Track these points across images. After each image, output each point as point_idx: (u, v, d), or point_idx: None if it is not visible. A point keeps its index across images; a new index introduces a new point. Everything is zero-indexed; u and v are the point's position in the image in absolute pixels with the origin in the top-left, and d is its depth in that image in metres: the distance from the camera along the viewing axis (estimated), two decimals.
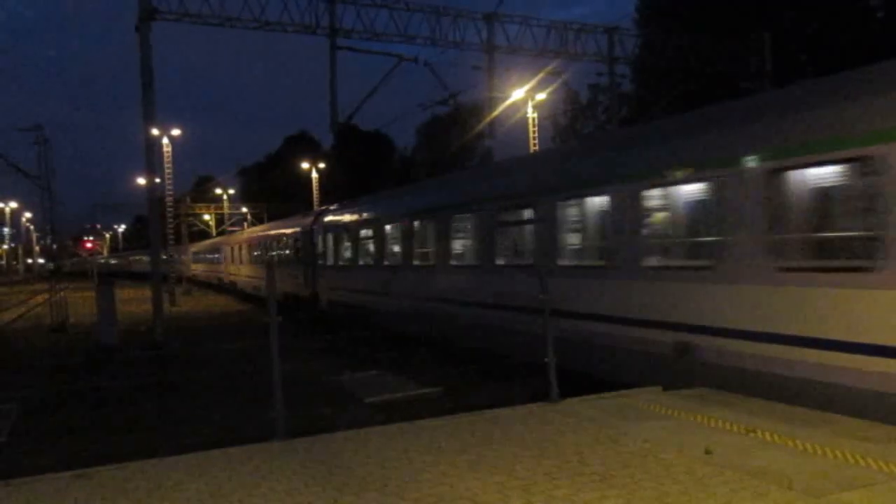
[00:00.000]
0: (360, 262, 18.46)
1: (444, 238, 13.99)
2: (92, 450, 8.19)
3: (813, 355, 6.55)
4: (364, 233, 18.23)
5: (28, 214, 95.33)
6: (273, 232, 27.13)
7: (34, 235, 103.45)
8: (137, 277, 63.14)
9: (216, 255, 47.26)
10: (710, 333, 7.68)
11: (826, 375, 6.43)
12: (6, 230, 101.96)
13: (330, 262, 20.91)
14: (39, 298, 37.84)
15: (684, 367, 7.94)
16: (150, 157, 19.10)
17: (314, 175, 51.43)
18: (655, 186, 8.71)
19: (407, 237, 15.66)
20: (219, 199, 68.39)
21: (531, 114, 29.59)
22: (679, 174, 8.25)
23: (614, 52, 25.62)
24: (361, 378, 12.04)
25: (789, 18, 30.02)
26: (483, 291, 12.35)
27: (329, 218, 21.68)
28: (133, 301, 30.80)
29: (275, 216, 52.40)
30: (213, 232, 64.43)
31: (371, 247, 17.83)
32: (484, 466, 5.16)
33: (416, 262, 15.24)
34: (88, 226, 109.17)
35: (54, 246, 37.13)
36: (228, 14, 20.56)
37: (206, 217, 67.12)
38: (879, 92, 6.37)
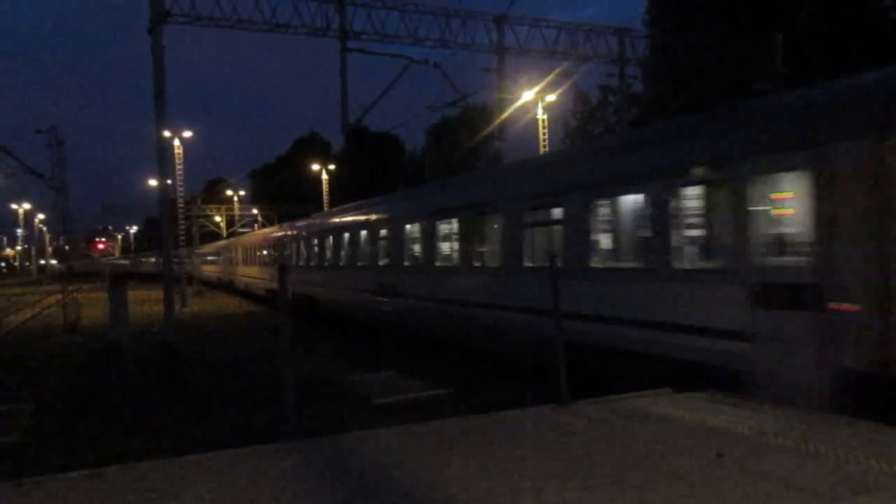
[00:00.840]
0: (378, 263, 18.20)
1: (468, 238, 13.41)
2: (103, 449, 8.24)
3: None
4: (382, 233, 17.90)
5: (41, 216, 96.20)
6: (287, 233, 26.90)
7: (47, 237, 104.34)
8: (142, 278, 63.71)
9: (226, 256, 47.38)
10: None
11: None
12: (19, 231, 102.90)
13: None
14: (52, 299, 38.14)
15: None
16: (161, 159, 19.19)
17: (324, 176, 51.58)
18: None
19: (419, 238, 15.53)
20: (230, 200, 68.67)
21: (541, 115, 29.54)
22: None
23: (625, 53, 25.55)
24: (371, 379, 12.06)
25: (802, 19, 29.86)
26: (510, 294, 11.67)
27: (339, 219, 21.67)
28: (145, 302, 30.97)
29: (285, 217, 52.58)
30: (224, 233, 64.70)
31: (380, 247, 17.75)
32: (495, 468, 5.15)
33: (438, 264, 14.70)
34: (100, 227, 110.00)
35: (67, 247, 37.38)
36: (240, 16, 20.64)
37: (217, 218, 67.41)
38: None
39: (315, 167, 53.90)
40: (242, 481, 5.10)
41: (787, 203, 7.27)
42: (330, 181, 52.27)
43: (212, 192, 74.28)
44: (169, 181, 21.22)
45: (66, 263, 39.46)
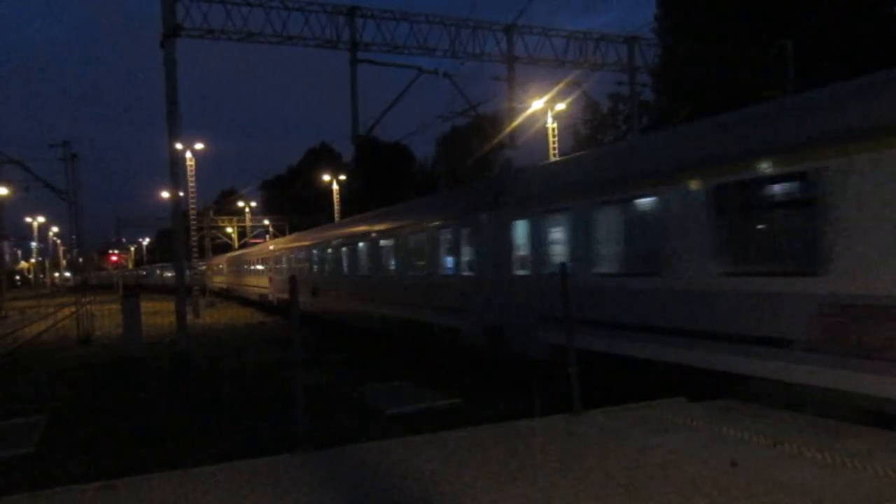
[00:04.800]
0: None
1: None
2: (117, 460, 8.28)
3: None
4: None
5: (55, 229, 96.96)
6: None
7: (61, 249, 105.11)
8: (149, 289, 64.25)
9: (234, 268, 47.61)
10: None
11: None
12: (33, 244, 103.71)
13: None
14: (66, 311, 38.40)
15: None
16: (174, 172, 19.34)
17: (335, 187, 51.77)
18: None
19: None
20: (241, 211, 69.05)
21: (551, 123, 29.56)
22: None
23: (635, 61, 25.56)
24: (383, 389, 12.05)
25: (812, 25, 29.77)
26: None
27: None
28: (158, 314, 31.13)
29: (296, 228, 52.77)
30: (236, 244, 65.03)
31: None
32: (507, 478, 5.13)
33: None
34: (114, 239, 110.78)
35: (80, 260, 37.65)
36: (251, 29, 20.82)
37: (229, 230, 67.78)
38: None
39: (326, 178, 54.12)
40: (257, 493, 5.11)
41: (464, 239, 14.00)
42: (341, 192, 52.45)
43: (224, 204, 74.71)
44: (181, 193, 21.35)
45: (81, 276, 39.74)
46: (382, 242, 18.28)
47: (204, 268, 54.80)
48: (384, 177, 67.46)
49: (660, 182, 8.77)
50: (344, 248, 21.53)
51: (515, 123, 25.66)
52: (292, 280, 6.31)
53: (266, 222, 70.78)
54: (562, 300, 7.48)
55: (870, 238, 6.26)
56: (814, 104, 7.49)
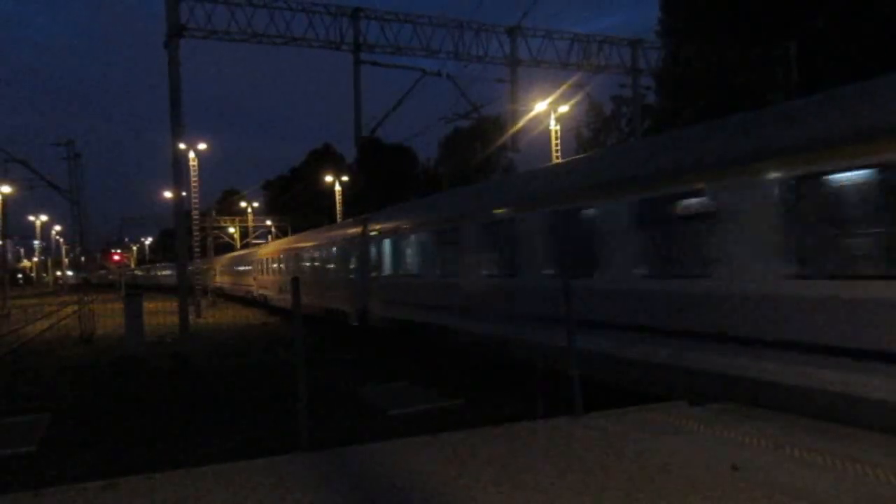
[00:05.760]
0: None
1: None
2: (119, 459, 8.30)
3: None
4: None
5: (58, 227, 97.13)
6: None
7: (63, 248, 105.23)
8: (148, 289, 64.36)
9: (246, 268, 47.83)
10: None
11: None
12: (36, 243, 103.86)
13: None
14: (68, 310, 38.46)
15: None
16: (177, 172, 19.38)
17: (337, 188, 51.79)
18: None
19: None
20: (244, 212, 69.08)
21: (554, 126, 29.57)
22: None
23: (638, 63, 25.57)
24: (385, 390, 12.07)
25: (815, 27, 29.73)
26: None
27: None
28: (159, 313, 31.17)
29: (298, 229, 52.79)
30: (238, 245, 65.03)
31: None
32: (508, 481, 5.14)
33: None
34: (116, 238, 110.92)
35: (83, 258, 37.72)
36: (255, 30, 20.87)
37: (231, 230, 67.80)
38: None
39: (329, 178, 54.14)
40: (258, 493, 5.12)
41: (347, 254, 21.31)
42: (343, 192, 52.46)
43: (226, 204, 74.75)
44: (184, 193, 21.39)
45: (83, 275, 39.83)
46: (309, 254, 26.65)
47: (205, 268, 54.89)
48: (387, 178, 67.46)
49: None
50: (292, 256, 29.62)
51: (518, 126, 25.70)
52: (294, 281, 6.31)
53: (268, 223, 70.79)
54: (564, 308, 7.45)
55: (740, 247, 7.44)
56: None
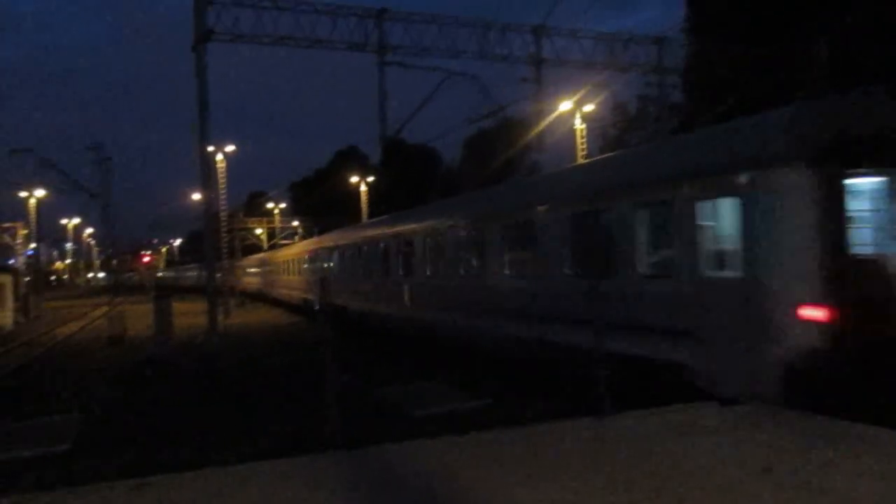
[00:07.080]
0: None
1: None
2: (150, 458, 8.42)
3: None
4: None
5: (89, 230, 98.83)
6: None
7: (94, 251, 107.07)
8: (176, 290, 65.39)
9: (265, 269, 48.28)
10: None
11: None
12: (68, 245, 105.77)
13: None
14: (99, 311, 39.10)
15: None
16: (205, 174, 19.62)
17: (363, 188, 52.01)
18: None
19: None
20: (270, 213, 69.68)
21: (579, 125, 29.42)
22: None
23: (664, 62, 25.36)
24: (411, 390, 12.09)
25: (846, 25, 29.22)
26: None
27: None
28: (189, 314, 31.55)
29: (324, 229, 53.13)
30: (265, 245, 65.61)
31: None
32: (535, 481, 5.13)
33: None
34: (146, 240, 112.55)
35: (114, 261, 38.40)
36: (280, 33, 21.08)
37: (259, 231, 68.44)
38: None
39: (354, 179, 54.41)
40: (288, 491, 5.17)
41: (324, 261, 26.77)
42: (368, 193, 52.68)
43: (253, 206, 75.45)
44: (212, 195, 21.66)
45: (114, 277, 40.54)
46: (303, 259, 30.15)
47: (236, 268, 55.53)
48: (411, 178, 67.57)
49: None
50: (292, 261, 34.02)
51: (543, 125, 25.63)
52: (323, 282, 6.37)
53: (295, 223, 71.31)
54: (590, 306, 7.44)
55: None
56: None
